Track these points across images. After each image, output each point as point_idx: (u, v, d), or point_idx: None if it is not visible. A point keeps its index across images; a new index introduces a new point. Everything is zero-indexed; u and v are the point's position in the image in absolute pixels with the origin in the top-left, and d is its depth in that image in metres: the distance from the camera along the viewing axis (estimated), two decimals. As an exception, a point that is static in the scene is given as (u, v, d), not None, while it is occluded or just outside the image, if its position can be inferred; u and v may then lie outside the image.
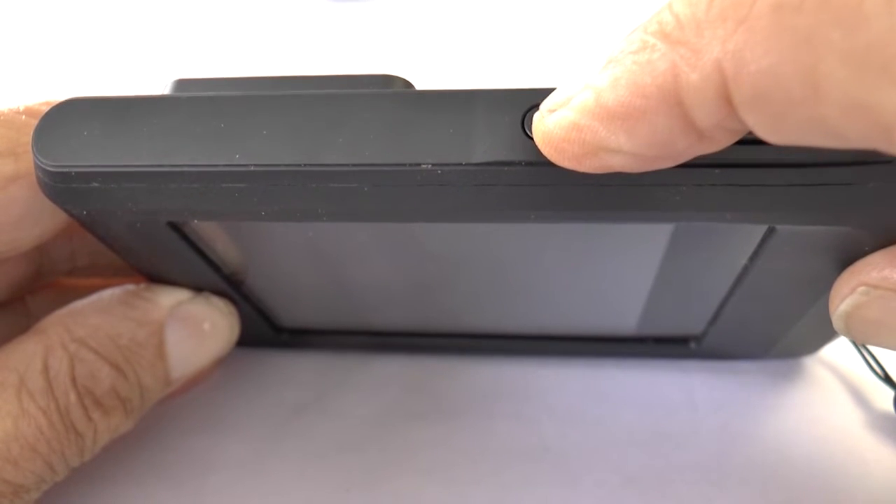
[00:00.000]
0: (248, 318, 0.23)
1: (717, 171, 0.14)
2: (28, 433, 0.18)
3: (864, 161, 0.14)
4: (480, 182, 0.15)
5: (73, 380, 0.19)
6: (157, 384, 0.20)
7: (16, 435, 0.18)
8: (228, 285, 0.21)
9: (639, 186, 0.15)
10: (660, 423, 0.23)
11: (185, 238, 0.18)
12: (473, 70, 0.40)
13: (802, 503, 0.21)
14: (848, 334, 0.17)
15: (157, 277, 0.21)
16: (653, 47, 0.12)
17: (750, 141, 0.13)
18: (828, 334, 0.22)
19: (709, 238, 0.18)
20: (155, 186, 0.16)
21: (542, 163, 0.14)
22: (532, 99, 0.15)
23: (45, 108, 0.16)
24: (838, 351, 0.25)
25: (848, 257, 0.17)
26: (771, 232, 0.17)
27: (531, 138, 0.14)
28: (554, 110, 0.13)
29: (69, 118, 0.16)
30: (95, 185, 0.16)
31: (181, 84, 0.17)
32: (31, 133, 0.16)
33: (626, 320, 0.23)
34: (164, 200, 0.16)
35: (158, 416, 0.23)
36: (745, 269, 0.19)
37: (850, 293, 0.16)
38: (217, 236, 0.19)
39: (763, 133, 0.11)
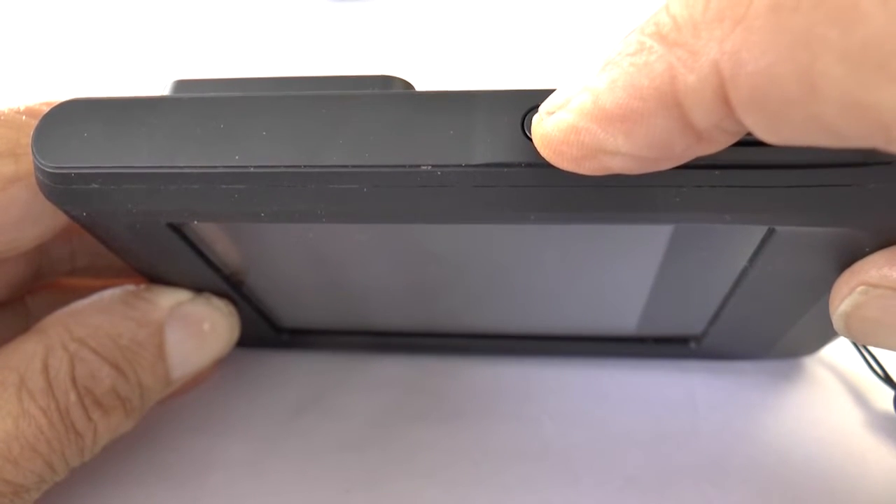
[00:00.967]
0: (248, 319, 0.23)
1: (716, 172, 0.14)
2: (28, 433, 0.18)
3: (863, 162, 0.14)
4: (480, 183, 0.15)
5: (74, 380, 0.19)
6: (157, 384, 0.20)
7: (16, 434, 0.18)
8: (228, 286, 0.21)
9: (638, 188, 0.15)
10: (660, 423, 0.23)
11: (185, 239, 0.18)
12: (473, 70, 0.40)
13: (802, 503, 0.21)
14: (848, 335, 0.17)
15: (157, 278, 0.21)
16: (650, 49, 0.12)
17: (749, 142, 0.13)
18: (828, 334, 0.22)
19: (708, 239, 0.18)
20: (155, 187, 0.16)
21: (542, 164, 0.14)
22: (532, 100, 0.15)
23: (46, 109, 0.16)
24: (838, 351, 0.25)
25: (848, 258, 0.17)
26: (771, 233, 0.17)
27: (531, 140, 0.14)
28: (552, 112, 0.13)
29: (69, 119, 0.16)
30: (95, 186, 0.16)
31: (181, 85, 0.17)
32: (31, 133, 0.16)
33: (627, 320, 0.23)
34: (164, 201, 0.16)
35: (158, 416, 0.23)
36: (745, 271, 0.19)
37: (849, 293, 0.16)
38: (217, 237, 0.19)
39: (761, 133, 0.11)
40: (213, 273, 0.20)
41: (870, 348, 0.23)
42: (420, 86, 0.17)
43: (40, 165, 0.16)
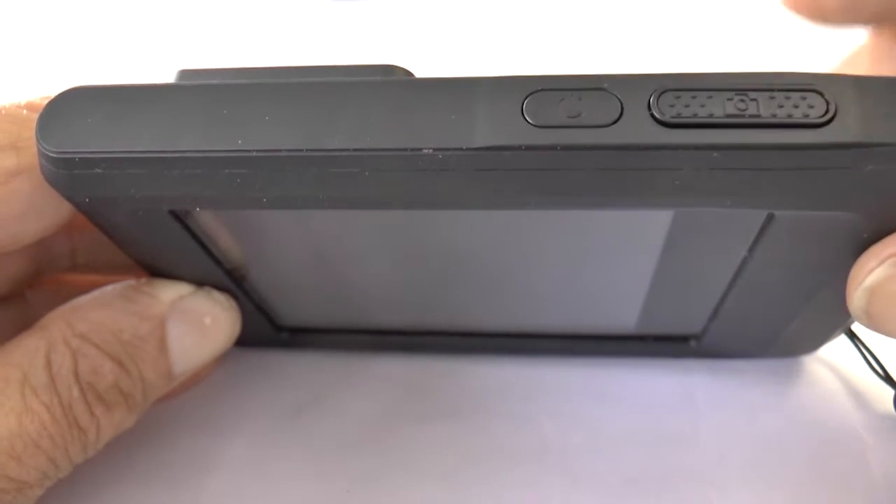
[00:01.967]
0: (248, 316, 0.23)
1: (715, 154, 0.14)
2: (31, 429, 0.18)
3: (861, 143, 0.14)
4: (481, 167, 0.15)
5: (76, 375, 0.19)
6: (159, 379, 0.20)
7: (19, 431, 0.18)
8: (230, 280, 0.21)
9: (638, 171, 0.15)
10: (660, 423, 0.23)
11: (188, 228, 0.18)
12: (473, 71, 0.40)
13: (802, 503, 0.21)
14: (865, 315, 0.17)
15: (158, 270, 0.21)
16: None
17: (748, 124, 0.13)
18: (827, 331, 0.23)
19: (707, 229, 0.18)
20: (157, 172, 0.16)
21: (543, 147, 0.14)
22: (533, 85, 0.15)
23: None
24: (838, 351, 0.25)
25: (846, 245, 0.17)
26: (770, 220, 0.17)
27: (531, 123, 0.15)
28: None
29: (73, 105, 0.16)
30: (98, 171, 0.16)
31: (185, 74, 0.17)
32: (33, 128, 0.16)
33: (626, 318, 0.23)
34: (167, 186, 0.16)
35: (158, 415, 0.23)
36: (745, 261, 0.19)
37: (878, 265, 0.16)
38: (219, 229, 0.19)
39: None
40: (215, 266, 0.20)
41: (870, 348, 0.23)
42: (420, 83, 0.17)
43: (44, 150, 0.16)
